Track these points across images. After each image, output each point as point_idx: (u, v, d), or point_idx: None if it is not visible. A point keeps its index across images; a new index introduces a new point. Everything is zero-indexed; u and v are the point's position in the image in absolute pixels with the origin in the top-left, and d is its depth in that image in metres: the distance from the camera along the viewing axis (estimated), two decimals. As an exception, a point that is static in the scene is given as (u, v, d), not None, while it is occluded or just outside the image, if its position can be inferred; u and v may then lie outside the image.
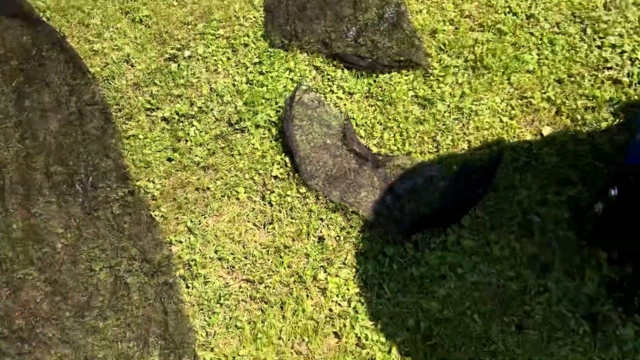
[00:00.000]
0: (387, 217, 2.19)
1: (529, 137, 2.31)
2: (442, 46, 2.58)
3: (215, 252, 2.19)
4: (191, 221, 2.26)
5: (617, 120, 2.29)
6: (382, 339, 1.96)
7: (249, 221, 2.24)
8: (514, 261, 2.04)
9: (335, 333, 1.99)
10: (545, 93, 2.39)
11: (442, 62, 2.54)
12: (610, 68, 2.43)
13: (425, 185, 2.23)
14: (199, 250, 2.20)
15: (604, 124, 2.29)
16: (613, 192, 1.76)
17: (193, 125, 2.50)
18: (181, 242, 2.22)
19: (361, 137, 2.40)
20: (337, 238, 2.17)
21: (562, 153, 2.24)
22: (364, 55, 2.58)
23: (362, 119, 2.44)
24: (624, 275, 1.97)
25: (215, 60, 2.69)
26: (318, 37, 2.67)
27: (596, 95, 2.35)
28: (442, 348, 1.91)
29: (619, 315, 1.92)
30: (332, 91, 2.52)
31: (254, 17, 2.81)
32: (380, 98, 2.47)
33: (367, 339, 1.96)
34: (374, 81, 2.53)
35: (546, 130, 2.31)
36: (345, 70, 2.57)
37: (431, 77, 2.50)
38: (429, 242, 2.12)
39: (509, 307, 1.96)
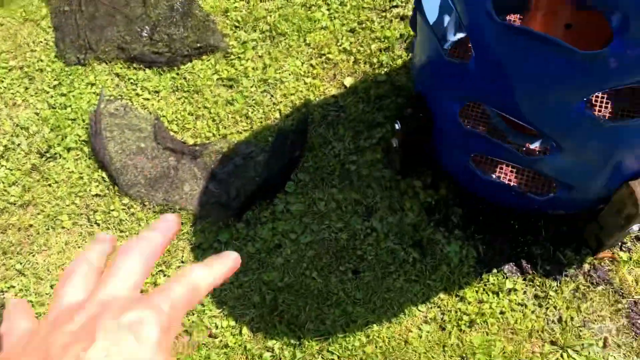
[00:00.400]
0: (214, 204, 2.19)
1: (334, 91, 2.37)
2: (237, 23, 2.59)
3: (51, 287, 2.12)
4: (20, 263, 2.17)
5: (410, 54, 2.39)
6: (232, 323, 1.97)
7: (79, 247, 2.18)
8: (341, 212, 2.10)
9: (185, 331, 1.99)
10: (341, 45, 2.46)
11: (239, 39, 2.55)
12: (396, 6, 2.53)
13: (245, 163, 2.24)
14: (34, 290, 2.12)
15: (399, 62, 2.39)
16: (397, 126, 1.85)
17: (2, 166, 2.38)
18: (14, 287, 2.13)
19: (175, 132, 2.38)
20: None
21: (366, 99, 2.32)
22: (162, 50, 2.55)
23: (172, 114, 2.41)
24: (439, 197, 2.08)
25: (12, 93, 2.56)
26: (113, 43, 2.60)
27: (387, 35, 2.44)
28: (288, 314, 1.95)
29: (442, 235, 2.03)
30: (137, 94, 2.48)
31: (45, 39, 2.70)
32: (186, 89, 2.46)
33: (217, 328, 1.97)
34: (177, 74, 2.50)
35: (348, 81, 2.38)
36: (147, 70, 2.53)
37: (232, 56, 2.51)
38: (259, 217, 2.14)
39: (343, 256, 2.03)
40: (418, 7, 1.50)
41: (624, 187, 1.61)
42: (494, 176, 1.84)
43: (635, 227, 1.73)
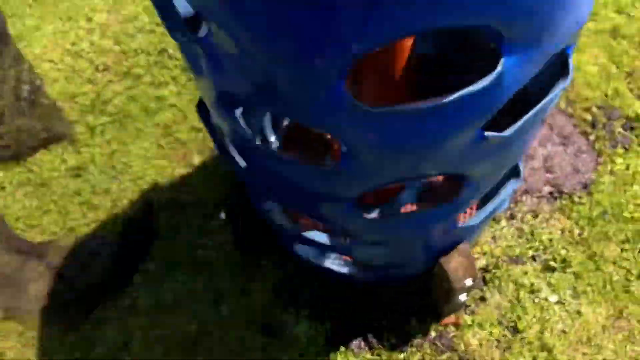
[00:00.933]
0: (61, 306, 2.11)
1: (183, 171, 2.33)
2: (85, 108, 2.53)
3: None
4: None
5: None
6: None
7: None
8: (190, 302, 2.05)
9: None
10: (189, 123, 2.43)
11: (87, 124, 2.49)
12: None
13: (92, 258, 2.17)
14: None
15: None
16: (222, 215, 1.82)
17: None
18: None
19: (22, 230, 2.29)
20: (16, 350, 2.05)
21: (210, 178, 2.28)
22: (8, 143, 2.46)
23: (19, 210, 2.33)
24: (287, 276, 2.05)
25: None
26: (-44, 140, 2.50)
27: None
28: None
29: (291, 315, 2.00)
30: (-18, 195, 2.39)
31: None
32: (32, 183, 2.38)
33: None
34: (24, 167, 2.42)
35: (197, 159, 2.35)
36: (-7, 168, 2.45)
37: (80, 143, 2.44)
38: (106, 314, 2.07)
39: (195, 349, 1.97)
40: (203, 120, 1.47)
41: (437, 264, 1.63)
42: (327, 262, 1.82)
43: (462, 297, 1.74)
